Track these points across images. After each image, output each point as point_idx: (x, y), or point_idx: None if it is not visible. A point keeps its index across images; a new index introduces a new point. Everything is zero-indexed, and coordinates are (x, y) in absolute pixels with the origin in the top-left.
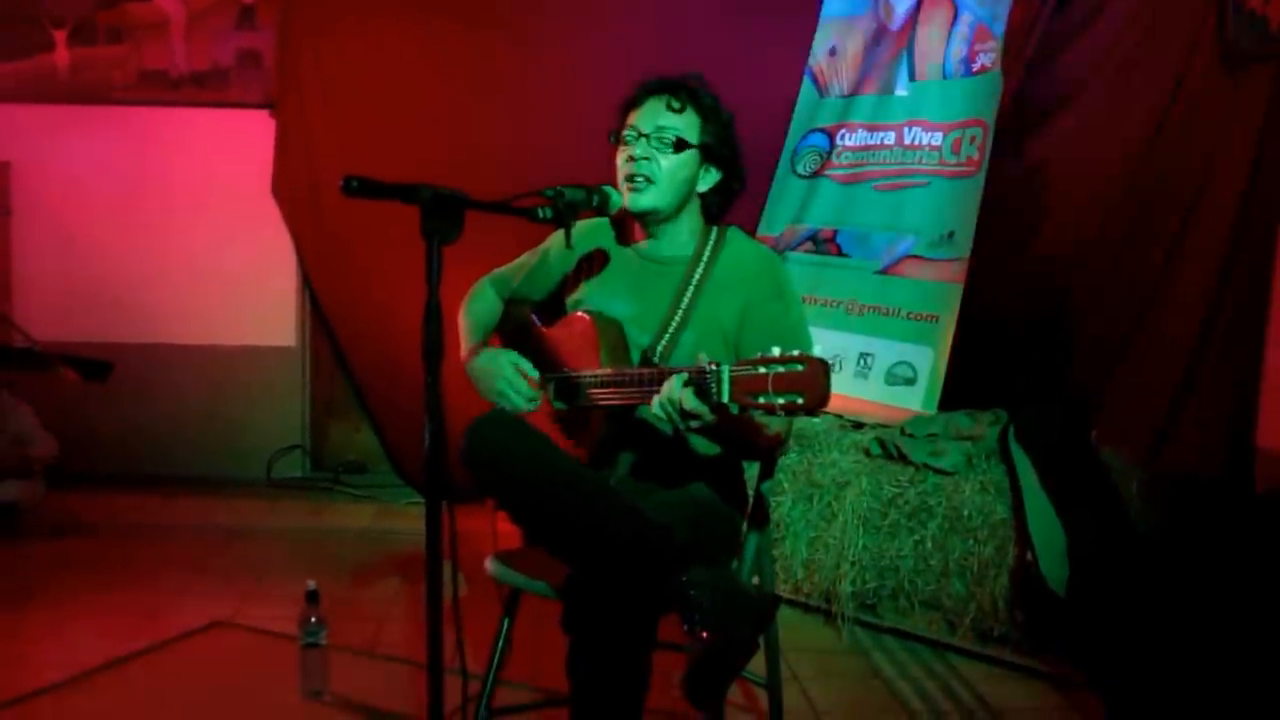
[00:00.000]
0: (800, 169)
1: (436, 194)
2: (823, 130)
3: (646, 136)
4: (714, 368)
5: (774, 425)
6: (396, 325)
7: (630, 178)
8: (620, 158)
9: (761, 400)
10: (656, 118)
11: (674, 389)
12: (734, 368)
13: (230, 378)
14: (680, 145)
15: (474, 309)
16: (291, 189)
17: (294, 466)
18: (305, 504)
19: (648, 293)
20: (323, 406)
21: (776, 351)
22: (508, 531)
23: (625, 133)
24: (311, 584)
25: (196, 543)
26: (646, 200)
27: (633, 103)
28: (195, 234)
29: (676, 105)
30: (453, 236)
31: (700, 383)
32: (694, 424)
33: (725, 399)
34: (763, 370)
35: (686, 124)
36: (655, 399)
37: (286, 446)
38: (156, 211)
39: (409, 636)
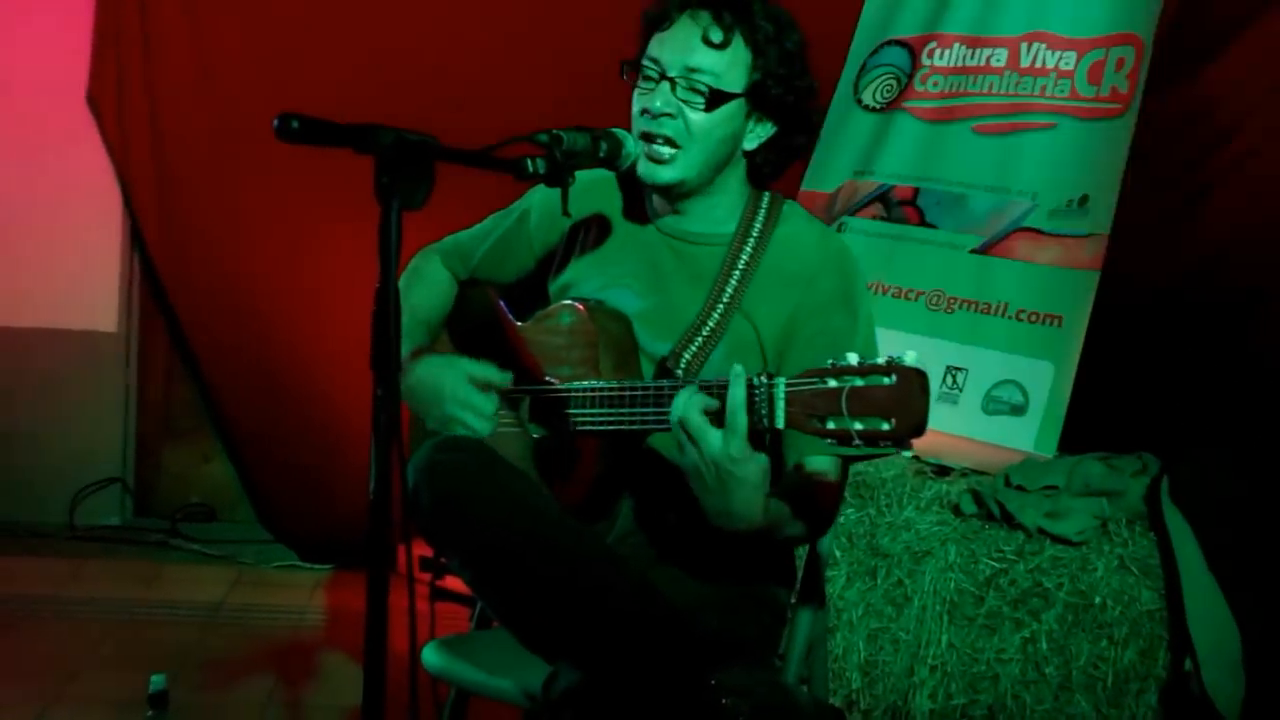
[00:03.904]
0: (868, 98)
1: (401, 139)
2: (902, 43)
3: (672, 81)
4: (765, 380)
5: (830, 471)
6: (277, 306)
7: (648, 138)
8: (636, 104)
9: (831, 425)
10: (687, 53)
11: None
12: (792, 380)
13: (17, 376)
14: (716, 99)
15: (414, 297)
16: (118, 98)
17: (110, 509)
18: (128, 565)
19: (668, 281)
20: (155, 421)
21: (852, 358)
22: (449, 612)
23: (645, 66)
24: (158, 680)
25: None
26: (669, 173)
27: (658, 19)
28: None
29: (717, 38)
30: (419, 198)
31: (746, 397)
32: (714, 470)
33: (780, 423)
34: (833, 384)
35: (730, 64)
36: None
37: (99, 480)
38: None
39: None
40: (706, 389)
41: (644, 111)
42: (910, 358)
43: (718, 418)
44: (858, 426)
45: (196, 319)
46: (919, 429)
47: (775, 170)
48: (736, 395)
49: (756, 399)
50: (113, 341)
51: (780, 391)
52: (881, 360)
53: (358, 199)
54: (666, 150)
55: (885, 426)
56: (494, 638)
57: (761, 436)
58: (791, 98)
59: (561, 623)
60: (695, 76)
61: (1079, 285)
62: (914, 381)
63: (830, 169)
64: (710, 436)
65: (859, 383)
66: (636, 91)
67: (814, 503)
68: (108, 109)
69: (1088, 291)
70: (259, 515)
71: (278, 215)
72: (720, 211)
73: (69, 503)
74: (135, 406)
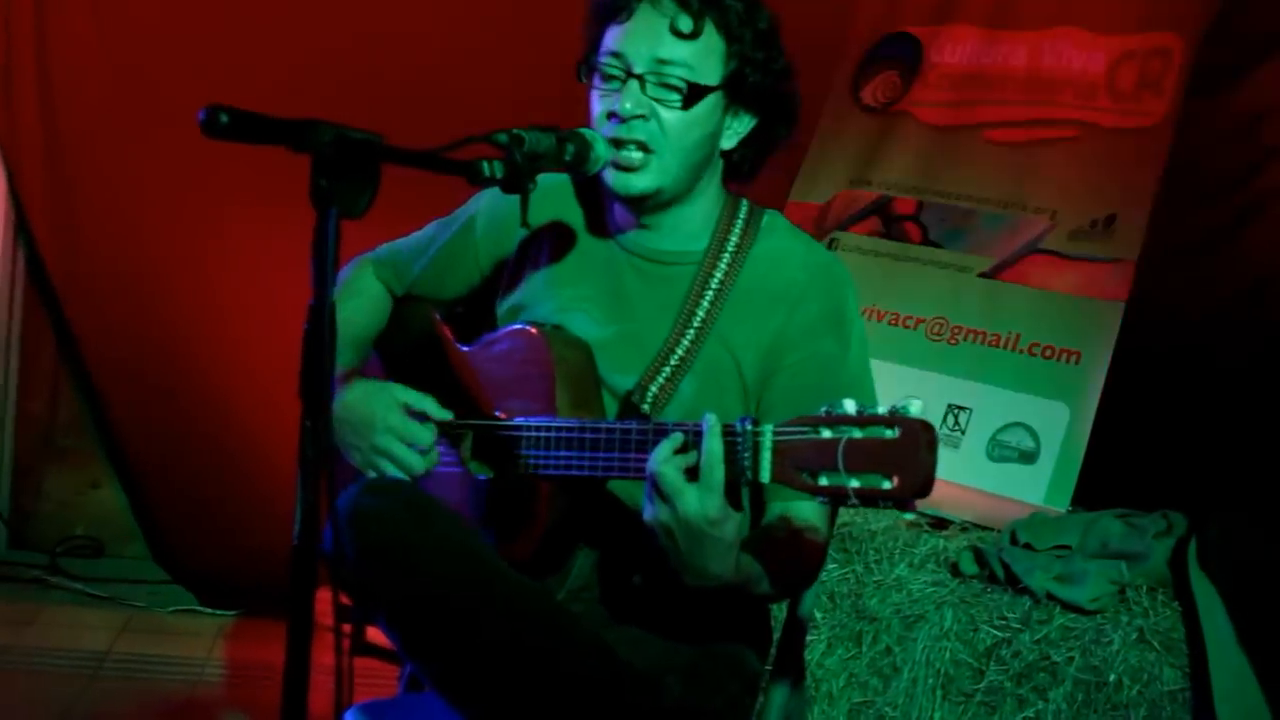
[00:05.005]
0: (867, 97)
1: (342, 137)
2: (907, 35)
3: (641, 79)
4: (749, 427)
5: (821, 526)
6: (185, 313)
7: (617, 144)
8: (598, 107)
9: (824, 482)
10: (655, 45)
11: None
12: (780, 428)
13: None
14: (694, 95)
15: (345, 312)
16: (6, 64)
17: None
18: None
19: (632, 306)
20: (35, 440)
21: (849, 406)
22: (374, 670)
23: (604, 64)
24: None
25: None
26: (644, 181)
27: (612, 9)
28: None
29: (686, 27)
30: (361, 206)
31: (726, 448)
32: (682, 531)
33: (765, 477)
34: (828, 434)
35: (702, 54)
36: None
37: None
38: None
39: None
40: (682, 433)
41: (611, 115)
42: (915, 408)
43: (694, 471)
44: (854, 484)
45: (90, 324)
46: (924, 490)
47: (754, 168)
48: (713, 448)
49: (739, 447)
50: None
51: (767, 440)
52: (883, 410)
53: (284, 197)
54: (638, 155)
55: (886, 485)
56: (426, 703)
57: (740, 489)
58: (770, 83)
59: (506, 691)
60: (667, 71)
61: (1100, 317)
62: (920, 436)
63: (822, 177)
64: (687, 495)
65: (857, 434)
66: (598, 93)
67: (798, 560)
68: None
69: (1110, 325)
70: (154, 552)
71: (191, 209)
72: (693, 225)
73: None
74: (13, 422)
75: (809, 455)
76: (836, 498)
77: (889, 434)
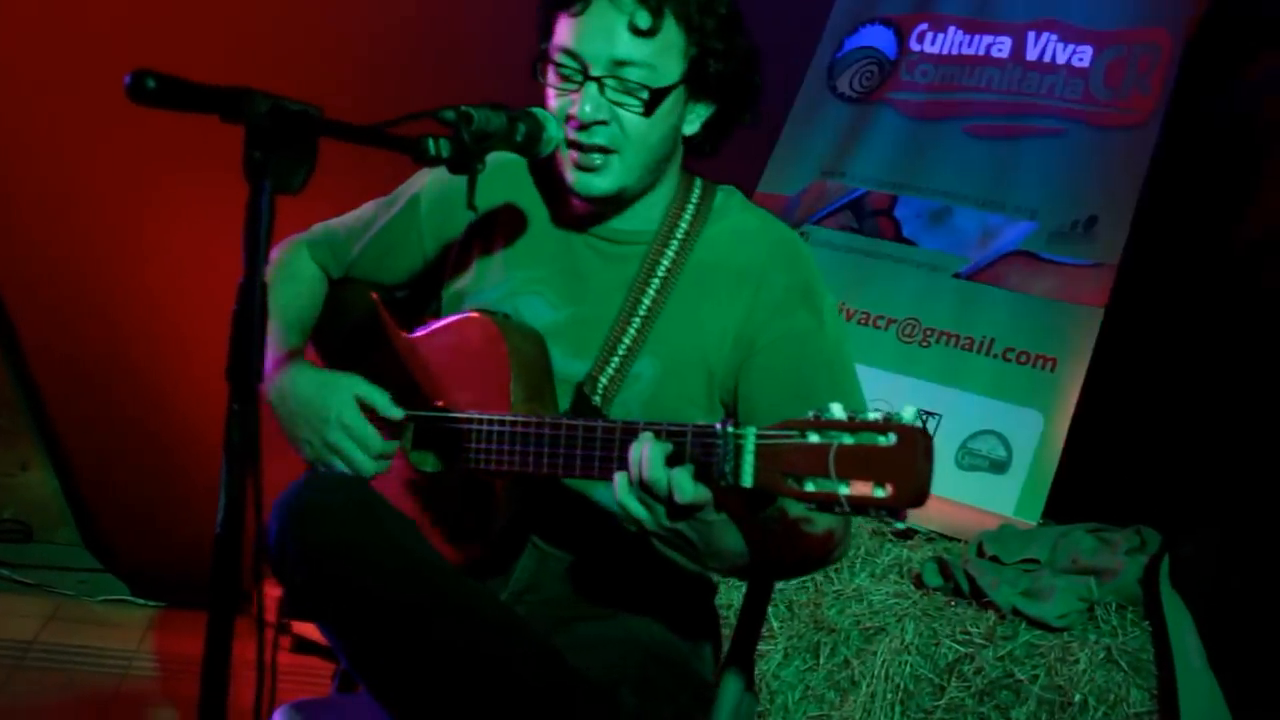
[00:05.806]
0: (843, 85)
1: (278, 108)
2: (887, 22)
3: (599, 81)
4: (728, 429)
5: (822, 524)
6: (122, 290)
7: (578, 147)
8: (556, 106)
9: (811, 488)
10: (612, 44)
11: (653, 466)
12: (764, 431)
13: None
14: (656, 99)
15: (282, 295)
16: None
17: None
18: None
19: (589, 288)
20: None
21: (838, 410)
22: (304, 667)
23: (560, 64)
24: None
25: None
26: (606, 182)
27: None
28: None
29: (645, 23)
30: (297, 181)
31: (701, 454)
32: (687, 528)
33: (748, 482)
34: (816, 439)
35: (661, 50)
36: (620, 485)
37: None
38: None
39: None
40: (654, 434)
41: (570, 119)
42: (909, 414)
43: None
44: (845, 490)
45: (24, 302)
46: (921, 498)
47: (714, 146)
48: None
49: (717, 449)
50: None
51: (749, 444)
52: (875, 415)
53: (224, 174)
54: (599, 157)
55: (880, 494)
56: (358, 704)
57: (729, 494)
58: (730, 68)
59: (456, 701)
60: (626, 73)
61: (1079, 323)
62: (918, 443)
63: (794, 167)
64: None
65: (848, 440)
66: (553, 90)
67: (801, 548)
68: None
69: (1089, 331)
70: (85, 538)
71: (129, 183)
72: (653, 207)
73: None
74: None
75: (795, 460)
76: (825, 504)
77: (883, 440)
